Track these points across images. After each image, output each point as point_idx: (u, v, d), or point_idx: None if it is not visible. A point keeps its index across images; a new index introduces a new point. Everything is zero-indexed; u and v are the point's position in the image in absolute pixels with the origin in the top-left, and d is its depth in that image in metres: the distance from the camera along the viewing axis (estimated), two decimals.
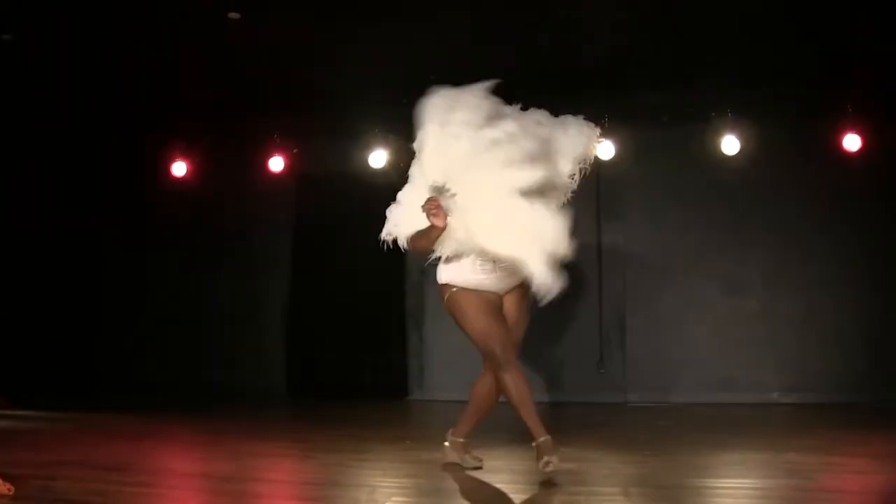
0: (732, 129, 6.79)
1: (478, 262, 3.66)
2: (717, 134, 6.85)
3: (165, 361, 7.93)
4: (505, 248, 3.51)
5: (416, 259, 7.60)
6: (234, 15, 5.64)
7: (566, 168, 3.82)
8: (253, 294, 7.99)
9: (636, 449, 4.53)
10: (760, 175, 6.96)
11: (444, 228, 3.52)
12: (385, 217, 3.86)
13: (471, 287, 3.70)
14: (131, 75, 6.68)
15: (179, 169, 7.76)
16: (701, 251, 7.13)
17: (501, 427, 4.29)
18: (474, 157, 3.52)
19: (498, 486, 3.74)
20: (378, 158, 7.12)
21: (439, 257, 3.77)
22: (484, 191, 3.51)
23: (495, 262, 3.63)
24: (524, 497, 3.46)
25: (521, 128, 3.60)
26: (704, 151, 6.97)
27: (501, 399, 3.76)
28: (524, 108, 3.83)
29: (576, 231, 3.59)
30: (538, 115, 3.85)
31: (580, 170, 3.87)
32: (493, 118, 3.60)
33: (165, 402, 6.95)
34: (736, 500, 3.53)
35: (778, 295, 7.05)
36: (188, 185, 7.81)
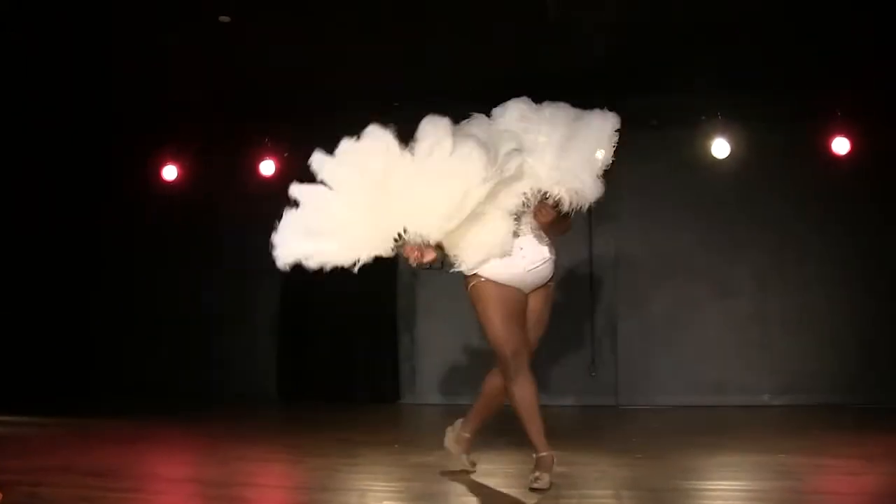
0: (723, 133, 6.80)
1: (515, 254, 3.56)
2: (708, 137, 6.86)
3: (155, 365, 7.88)
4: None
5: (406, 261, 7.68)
6: (224, 18, 5.62)
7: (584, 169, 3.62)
8: (243, 297, 7.95)
9: (628, 452, 4.52)
10: (751, 178, 6.97)
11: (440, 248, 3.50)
12: None
13: (499, 281, 3.58)
14: (121, 78, 6.64)
15: (170, 173, 7.72)
16: (692, 253, 7.13)
17: (495, 429, 4.26)
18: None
19: (490, 488, 3.73)
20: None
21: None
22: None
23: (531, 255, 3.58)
24: (516, 501, 3.44)
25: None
26: (695, 155, 6.98)
27: (509, 403, 3.72)
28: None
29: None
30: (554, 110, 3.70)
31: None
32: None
33: (155, 406, 6.90)
34: (728, 502, 3.52)
35: (770, 297, 7.05)
36: (179, 188, 7.77)
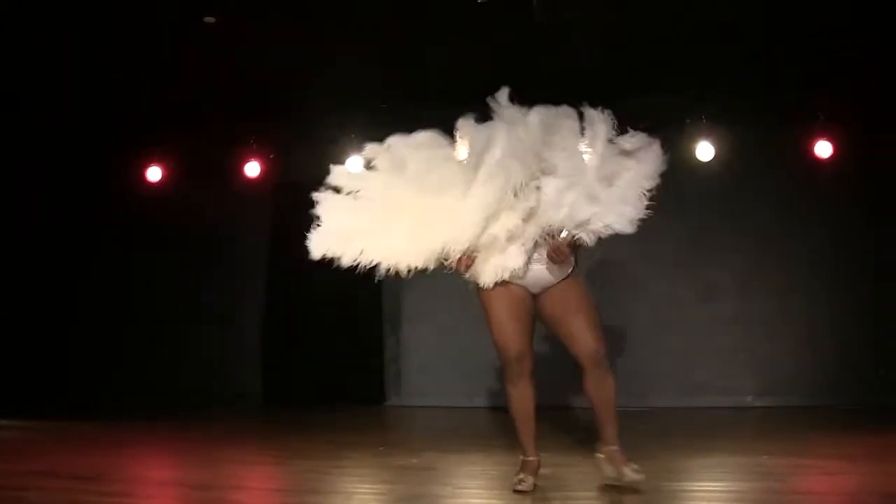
0: (707, 136, 6.85)
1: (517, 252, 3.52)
2: (692, 140, 6.91)
3: (141, 368, 7.86)
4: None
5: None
6: (209, 19, 5.62)
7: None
8: (229, 300, 7.95)
9: None
10: (735, 181, 7.02)
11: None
12: None
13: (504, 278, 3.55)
14: (106, 79, 6.62)
15: (154, 174, 7.70)
16: (676, 256, 7.18)
17: (478, 432, 4.31)
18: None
19: (474, 491, 3.76)
20: (354, 164, 7.10)
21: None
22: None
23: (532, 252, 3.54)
24: (500, 503, 3.47)
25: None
26: (679, 158, 7.01)
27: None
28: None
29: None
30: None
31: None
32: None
33: (141, 410, 6.89)
34: (710, 503, 3.57)
35: (752, 299, 7.10)
36: (163, 189, 7.75)
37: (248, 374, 7.78)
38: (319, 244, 3.66)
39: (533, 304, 3.67)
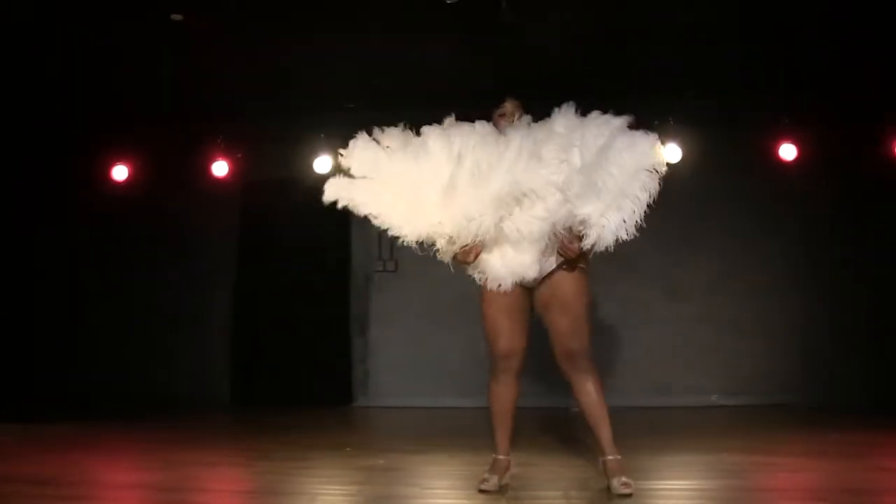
0: (674, 138, 6.90)
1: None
2: (660, 142, 6.94)
3: (104, 369, 7.73)
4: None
5: (360, 264, 7.66)
6: (176, 17, 5.56)
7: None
8: (195, 300, 7.86)
9: (578, 453, 4.56)
10: (702, 183, 7.06)
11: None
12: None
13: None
14: (72, 76, 6.53)
15: (120, 173, 7.60)
16: (643, 257, 7.21)
17: (445, 432, 4.30)
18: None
19: (441, 491, 3.75)
20: (323, 164, 7.07)
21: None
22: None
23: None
24: (467, 503, 3.46)
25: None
26: None
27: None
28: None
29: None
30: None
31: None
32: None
33: (104, 411, 6.78)
34: (675, 501, 3.60)
35: (718, 300, 7.18)
36: (129, 188, 7.65)
37: (214, 375, 7.70)
38: (336, 190, 3.61)
39: (529, 300, 3.66)
